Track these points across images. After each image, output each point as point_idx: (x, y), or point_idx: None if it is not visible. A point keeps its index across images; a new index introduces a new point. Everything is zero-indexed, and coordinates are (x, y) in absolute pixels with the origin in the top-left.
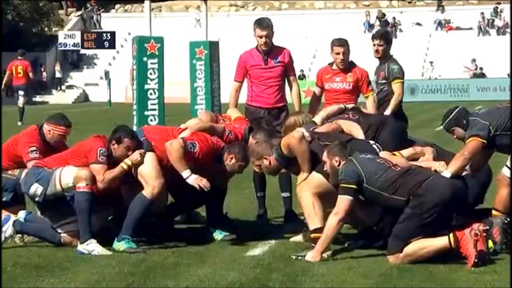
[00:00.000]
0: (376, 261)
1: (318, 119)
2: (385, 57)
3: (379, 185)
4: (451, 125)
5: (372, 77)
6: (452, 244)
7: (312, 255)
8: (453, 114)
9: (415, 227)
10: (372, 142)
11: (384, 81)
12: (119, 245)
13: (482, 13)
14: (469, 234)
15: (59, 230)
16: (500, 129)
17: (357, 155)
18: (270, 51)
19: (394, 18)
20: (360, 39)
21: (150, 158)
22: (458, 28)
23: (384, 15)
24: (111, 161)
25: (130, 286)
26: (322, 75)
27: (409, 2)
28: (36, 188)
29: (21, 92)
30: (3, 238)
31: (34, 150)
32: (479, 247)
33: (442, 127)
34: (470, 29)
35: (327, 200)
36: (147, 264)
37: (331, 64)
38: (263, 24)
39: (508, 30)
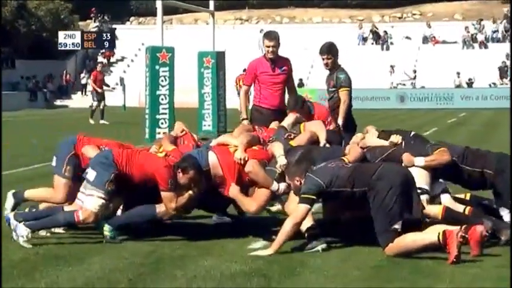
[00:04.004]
0: (369, 254)
1: (286, 122)
2: (334, 67)
3: (339, 184)
4: None
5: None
6: (441, 241)
7: (265, 252)
8: None
9: (385, 215)
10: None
11: (333, 89)
12: (106, 228)
13: (467, 27)
14: (455, 235)
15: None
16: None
17: (311, 169)
18: (276, 60)
19: (385, 31)
20: (354, 51)
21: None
22: (444, 42)
23: (377, 29)
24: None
25: (142, 275)
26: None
27: (399, 18)
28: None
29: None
30: (20, 240)
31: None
32: (458, 250)
33: None
34: (455, 42)
35: None
36: (157, 255)
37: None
38: (271, 36)
39: (489, 44)
